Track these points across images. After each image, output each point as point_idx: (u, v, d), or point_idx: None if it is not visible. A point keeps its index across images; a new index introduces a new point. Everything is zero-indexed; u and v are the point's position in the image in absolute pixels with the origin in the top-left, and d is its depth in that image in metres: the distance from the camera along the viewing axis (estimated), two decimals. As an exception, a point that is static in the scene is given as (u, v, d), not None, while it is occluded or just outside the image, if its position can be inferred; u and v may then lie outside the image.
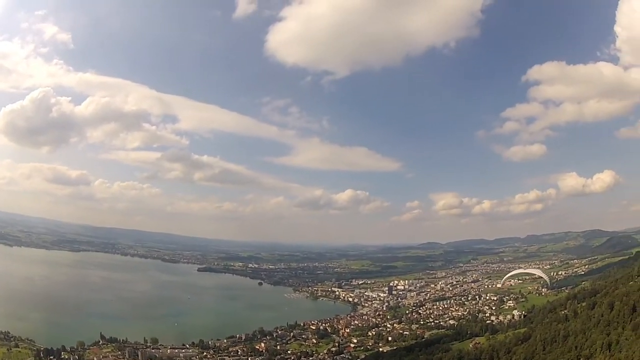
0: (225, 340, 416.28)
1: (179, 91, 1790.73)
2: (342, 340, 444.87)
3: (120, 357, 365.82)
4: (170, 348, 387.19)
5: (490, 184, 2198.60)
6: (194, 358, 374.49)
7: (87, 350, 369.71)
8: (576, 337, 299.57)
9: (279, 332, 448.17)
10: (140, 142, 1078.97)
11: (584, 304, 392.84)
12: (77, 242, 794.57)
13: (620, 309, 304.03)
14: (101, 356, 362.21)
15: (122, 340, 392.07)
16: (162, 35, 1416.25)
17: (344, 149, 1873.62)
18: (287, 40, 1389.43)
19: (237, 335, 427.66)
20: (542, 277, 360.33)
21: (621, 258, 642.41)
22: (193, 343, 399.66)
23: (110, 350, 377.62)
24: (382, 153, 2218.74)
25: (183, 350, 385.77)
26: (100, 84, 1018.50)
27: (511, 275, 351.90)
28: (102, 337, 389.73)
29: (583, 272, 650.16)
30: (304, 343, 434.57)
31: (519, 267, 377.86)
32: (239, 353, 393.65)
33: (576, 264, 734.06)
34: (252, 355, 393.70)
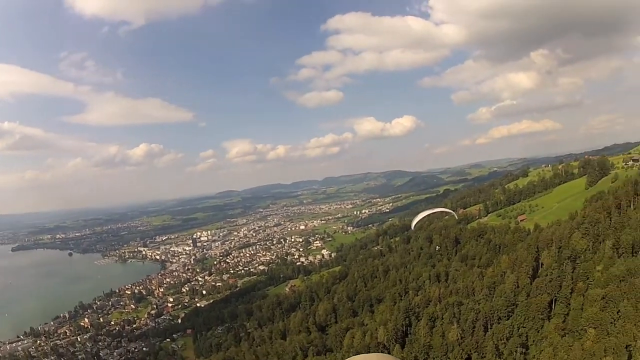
0: (52, 323, 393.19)
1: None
2: (158, 301, 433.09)
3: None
4: (8, 343, 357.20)
5: (285, 129, 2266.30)
6: (30, 349, 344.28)
7: None
8: (397, 270, 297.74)
9: (98, 303, 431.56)
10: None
11: (397, 239, 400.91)
12: None
13: (441, 242, 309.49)
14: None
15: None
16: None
17: (137, 102, 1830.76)
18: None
19: (62, 315, 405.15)
20: (449, 213, 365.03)
21: (428, 195, 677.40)
22: (25, 332, 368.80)
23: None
24: (176, 104, 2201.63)
25: (19, 343, 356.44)
26: None
27: (423, 216, 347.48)
28: None
29: (388, 210, 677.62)
30: (123, 310, 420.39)
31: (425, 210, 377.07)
32: (68, 334, 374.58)
33: (379, 202, 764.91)
34: (80, 334, 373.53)
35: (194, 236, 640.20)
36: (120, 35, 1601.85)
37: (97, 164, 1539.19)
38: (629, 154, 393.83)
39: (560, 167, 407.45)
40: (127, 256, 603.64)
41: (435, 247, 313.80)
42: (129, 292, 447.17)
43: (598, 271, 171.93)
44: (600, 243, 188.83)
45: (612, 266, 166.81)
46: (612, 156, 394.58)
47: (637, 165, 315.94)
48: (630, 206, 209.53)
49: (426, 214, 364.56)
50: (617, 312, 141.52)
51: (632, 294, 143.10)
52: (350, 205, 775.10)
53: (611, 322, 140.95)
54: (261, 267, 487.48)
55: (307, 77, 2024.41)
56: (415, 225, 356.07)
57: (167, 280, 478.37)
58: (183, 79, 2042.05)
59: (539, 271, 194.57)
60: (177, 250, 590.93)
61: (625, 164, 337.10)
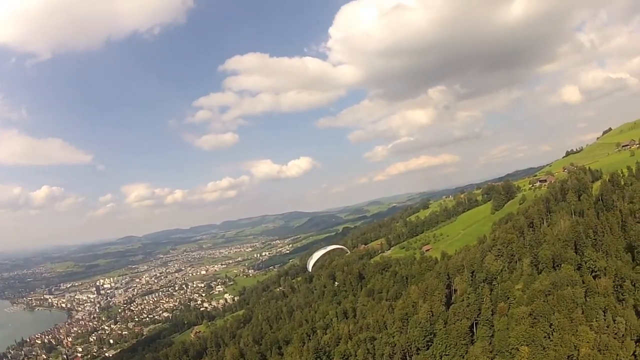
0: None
1: None
2: (68, 351, 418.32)
3: None
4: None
5: (182, 173, 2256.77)
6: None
7: None
8: (302, 310, 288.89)
9: (12, 352, 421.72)
10: None
11: (299, 278, 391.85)
12: None
13: (345, 279, 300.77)
14: None
15: None
16: None
17: (40, 142, 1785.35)
18: (3, 16, 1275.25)
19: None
20: (342, 249, 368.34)
21: (327, 235, 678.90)
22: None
23: None
24: (76, 145, 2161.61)
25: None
26: None
27: (318, 257, 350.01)
28: None
29: (288, 251, 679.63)
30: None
31: (321, 248, 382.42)
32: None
33: (279, 244, 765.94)
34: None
35: (98, 283, 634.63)
36: (26, 67, 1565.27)
37: (2, 205, 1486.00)
38: (535, 176, 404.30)
39: (462, 196, 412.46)
40: (35, 304, 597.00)
41: (337, 284, 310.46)
42: (40, 342, 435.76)
43: (518, 289, 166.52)
44: (517, 262, 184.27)
45: (534, 282, 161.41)
46: (516, 181, 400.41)
47: (544, 186, 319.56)
48: (543, 223, 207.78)
49: (320, 254, 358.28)
50: (550, 326, 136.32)
51: (563, 306, 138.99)
52: (250, 248, 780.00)
53: (545, 337, 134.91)
54: (165, 314, 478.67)
55: (203, 119, 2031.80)
56: (312, 267, 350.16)
57: (75, 329, 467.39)
58: (84, 118, 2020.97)
59: (453, 297, 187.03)
60: (82, 298, 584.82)
61: (532, 186, 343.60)
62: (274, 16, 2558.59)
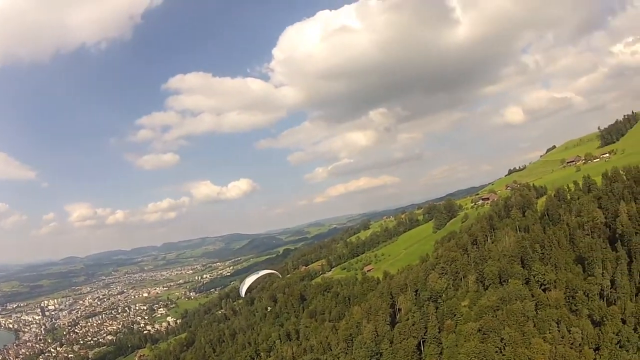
0: None
1: None
2: None
3: None
4: None
5: (123, 193, 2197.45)
6: None
7: None
8: (245, 333, 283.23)
9: None
10: None
11: (240, 301, 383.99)
12: None
13: (287, 300, 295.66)
14: None
15: None
16: None
17: None
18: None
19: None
20: (274, 273, 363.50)
21: (267, 257, 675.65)
22: None
23: None
24: (21, 160, 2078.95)
25: None
26: None
27: (251, 283, 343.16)
28: None
29: (229, 273, 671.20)
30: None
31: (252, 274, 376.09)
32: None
33: (220, 266, 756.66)
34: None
35: (42, 305, 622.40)
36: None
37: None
38: (477, 194, 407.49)
39: (403, 216, 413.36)
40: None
41: (269, 308, 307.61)
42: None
43: (465, 306, 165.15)
44: (461, 279, 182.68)
45: (481, 299, 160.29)
46: (458, 200, 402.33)
47: (487, 203, 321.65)
48: (487, 240, 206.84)
49: (252, 280, 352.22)
50: (501, 341, 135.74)
51: (513, 320, 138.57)
52: (191, 271, 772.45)
53: (497, 351, 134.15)
54: (109, 337, 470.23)
55: (145, 138, 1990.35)
56: (245, 292, 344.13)
57: (23, 350, 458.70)
58: (30, 132, 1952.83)
59: (398, 317, 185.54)
60: (28, 320, 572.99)
61: (475, 204, 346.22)
62: (219, 35, 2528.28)
